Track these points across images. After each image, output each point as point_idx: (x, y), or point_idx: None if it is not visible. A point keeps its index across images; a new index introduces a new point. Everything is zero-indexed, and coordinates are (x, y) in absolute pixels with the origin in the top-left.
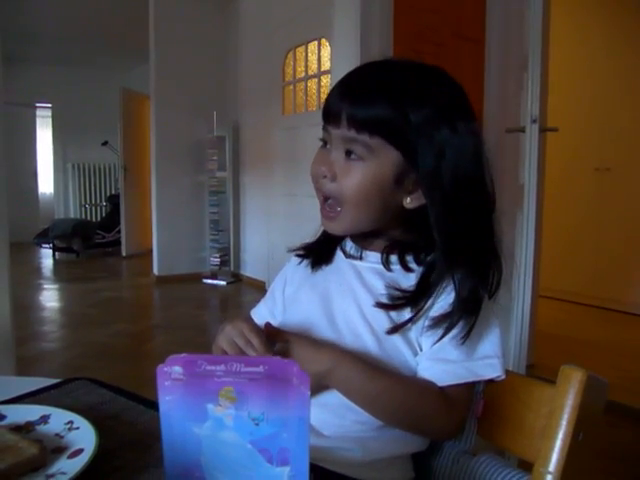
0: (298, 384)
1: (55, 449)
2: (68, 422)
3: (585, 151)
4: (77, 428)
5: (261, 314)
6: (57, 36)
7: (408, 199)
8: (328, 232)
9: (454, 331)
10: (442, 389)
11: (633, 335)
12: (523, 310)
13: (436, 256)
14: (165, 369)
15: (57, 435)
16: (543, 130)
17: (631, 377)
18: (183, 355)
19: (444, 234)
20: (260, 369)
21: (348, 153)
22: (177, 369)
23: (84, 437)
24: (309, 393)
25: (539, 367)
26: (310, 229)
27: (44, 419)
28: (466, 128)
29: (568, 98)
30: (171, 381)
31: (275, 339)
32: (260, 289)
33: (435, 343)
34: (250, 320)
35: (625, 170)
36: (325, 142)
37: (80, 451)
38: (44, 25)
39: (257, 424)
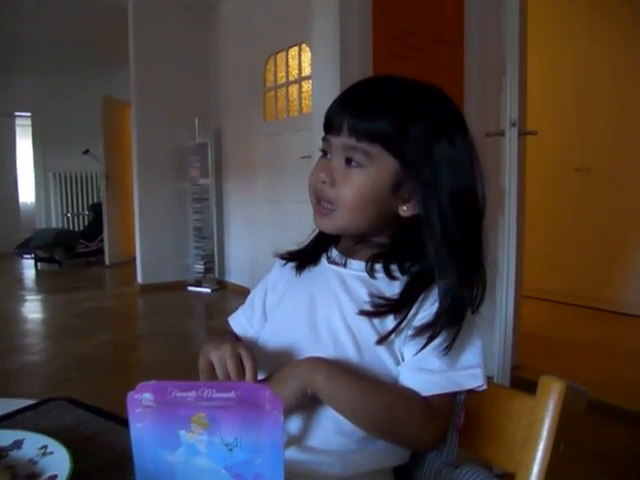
0: (271, 409)
1: (28, 476)
2: (42, 447)
3: (565, 152)
4: (51, 453)
5: (239, 322)
6: (36, 44)
7: (404, 207)
8: (320, 230)
9: (436, 341)
10: (425, 399)
11: (619, 334)
12: (507, 312)
13: (422, 266)
14: (135, 396)
15: (30, 461)
16: (522, 134)
17: (616, 376)
18: (153, 382)
19: (435, 244)
20: (232, 394)
21: (348, 161)
22: (147, 396)
23: (58, 462)
24: (282, 418)
25: (525, 368)
26: (294, 234)
27: (17, 444)
28: (462, 141)
29: (547, 99)
30: (142, 408)
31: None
32: (245, 295)
33: (417, 353)
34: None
35: (605, 170)
36: (325, 152)
37: (54, 477)
38: (23, 34)
39: (231, 450)
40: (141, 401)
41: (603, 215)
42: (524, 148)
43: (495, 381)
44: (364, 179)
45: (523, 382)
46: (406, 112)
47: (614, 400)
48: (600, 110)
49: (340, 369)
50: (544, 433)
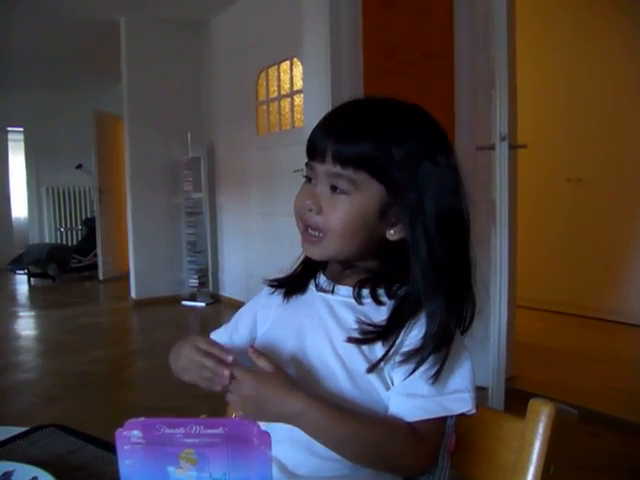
0: (259, 444)
1: None
2: (32, 478)
3: (557, 162)
4: None
5: (220, 336)
6: (28, 60)
7: (392, 231)
8: (308, 258)
9: (425, 366)
10: (411, 425)
11: (612, 342)
12: (500, 323)
13: (409, 289)
14: (124, 433)
15: None
16: (512, 147)
17: (611, 385)
18: (142, 419)
19: (423, 267)
20: (220, 430)
21: (333, 188)
22: (136, 433)
23: None
24: (271, 453)
25: (520, 379)
26: (287, 248)
27: (6, 476)
28: (446, 162)
29: (539, 109)
30: (130, 445)
31: (257, 360)
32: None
33: (406, 378)
34: (207, 337)
35: (596, 180)
36: (309, 178)
37: None
38: (15, 49)
39: None
40: (130, 438)
41: (595, 224)
42: (515, 161)
43: (490, 393)
44: (351, 207)
45: (518, 394)
46: (389, 135)
47: (608, 410)
48: (591, 120)
49: (327, 407)
50: (534, 457)
